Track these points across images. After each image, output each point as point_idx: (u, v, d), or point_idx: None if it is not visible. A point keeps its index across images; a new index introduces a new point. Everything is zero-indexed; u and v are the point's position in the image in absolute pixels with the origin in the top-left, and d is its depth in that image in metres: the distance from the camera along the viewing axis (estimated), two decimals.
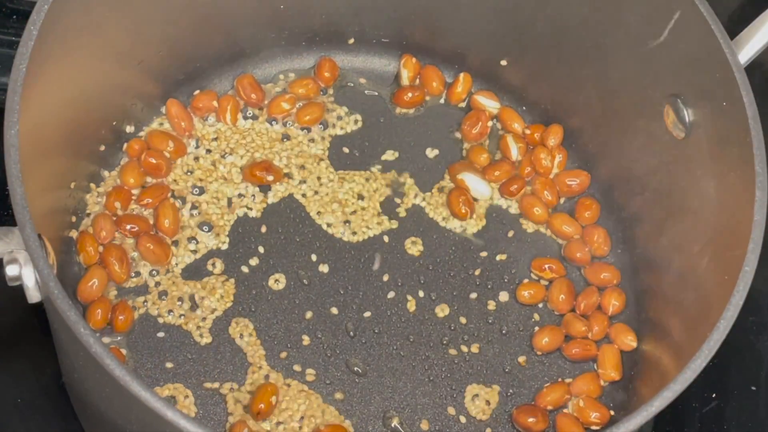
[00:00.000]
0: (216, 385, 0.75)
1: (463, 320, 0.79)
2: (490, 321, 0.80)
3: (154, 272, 0.78)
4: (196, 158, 0.82)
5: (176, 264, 0.79)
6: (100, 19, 0.71)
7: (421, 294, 0.80)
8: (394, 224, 0.83)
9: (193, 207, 0.81)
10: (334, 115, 0.86)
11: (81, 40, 0.70)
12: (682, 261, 0.75)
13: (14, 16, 0.88)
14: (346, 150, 0.85)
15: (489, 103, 0.87)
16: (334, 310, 0.79)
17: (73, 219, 0.78)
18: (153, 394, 0.55)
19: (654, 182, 0.79)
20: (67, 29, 0.67)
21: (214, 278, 0.79)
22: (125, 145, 0.81)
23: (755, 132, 0.68)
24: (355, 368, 0.77)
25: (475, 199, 0.84)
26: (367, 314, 0.79)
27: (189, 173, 0.82)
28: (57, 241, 0.75)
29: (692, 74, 0.73)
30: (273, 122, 0.84)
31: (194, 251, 0.79)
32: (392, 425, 0.75)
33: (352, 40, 0.88)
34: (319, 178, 0.83)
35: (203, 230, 0.80)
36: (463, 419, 0.76)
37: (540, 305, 0.80)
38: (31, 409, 0.77)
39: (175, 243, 0.79)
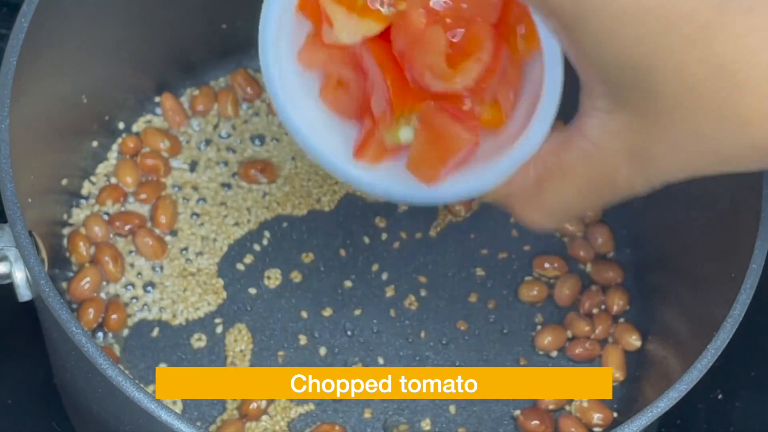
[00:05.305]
0: None
1: (463, 320, 0.78)
2: (491, 320, 0.79)
3: (147, 269, 0.77)
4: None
5: (171, 261, 0.78)
6: (92, 10, 0.70)
7: (420, 293, 0.79)
8: (393, 221, 0.81)
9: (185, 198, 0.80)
10: None
11: (73, 32, 0.69)
12: (687, 259, 0.74)
13: (4, 8, 0.87)
14: None
15: None
16: (331, 309, 0.78)
17: (65, 216, 0.77)
18: (147, 395, 0.55)
19: None
20: (58, 21, 0.67)
21: (209, 276, 0.78)
22: (119, 140, 0.80)
23: None
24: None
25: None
26: (366, 313, 0.78)
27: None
28: (48, 238, 0.74)
29: None
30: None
31: (188, 248, 0.78)
32: (392, 425, 0.74)
33: None
34: (317, 173, 0.82)
35: (197, 226, 0.79)
36: (464, 419, 0.75)
37: (542, 304, 0.79)
38: (21, 410, 0.76)
39: (171, 237, 0.78)
